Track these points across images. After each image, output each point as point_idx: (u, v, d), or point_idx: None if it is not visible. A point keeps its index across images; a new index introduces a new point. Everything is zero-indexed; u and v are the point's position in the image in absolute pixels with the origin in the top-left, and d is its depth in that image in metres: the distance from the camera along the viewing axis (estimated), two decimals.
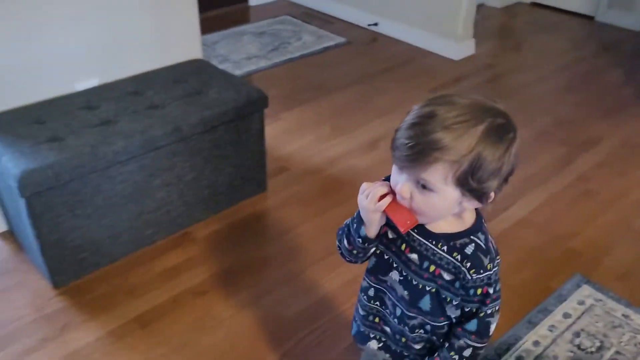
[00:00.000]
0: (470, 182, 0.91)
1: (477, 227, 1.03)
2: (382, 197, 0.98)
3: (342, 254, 1.14)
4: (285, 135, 2.90)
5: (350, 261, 1.14)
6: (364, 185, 1.01)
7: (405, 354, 1.18)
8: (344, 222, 1.12)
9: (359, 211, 1.04)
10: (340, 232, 1.13)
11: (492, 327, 1.07)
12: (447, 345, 1.10)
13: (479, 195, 0.94)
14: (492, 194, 0.96)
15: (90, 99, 2.11)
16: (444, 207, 0.96)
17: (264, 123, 2.31)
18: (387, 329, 1.18)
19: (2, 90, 1.99)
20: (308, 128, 2.97)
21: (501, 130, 0.91)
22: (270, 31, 4.06)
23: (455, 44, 3.73)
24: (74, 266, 1.97)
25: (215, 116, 2.10)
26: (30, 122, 1.95)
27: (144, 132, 1.95)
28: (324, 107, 3.17)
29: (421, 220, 0.99)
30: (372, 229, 1.04)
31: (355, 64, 3.69)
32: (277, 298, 1.96)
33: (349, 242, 1.10)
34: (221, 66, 3.32)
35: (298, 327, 1.86)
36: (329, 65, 3.65)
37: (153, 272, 2.05)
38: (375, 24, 4.12)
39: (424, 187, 0.93)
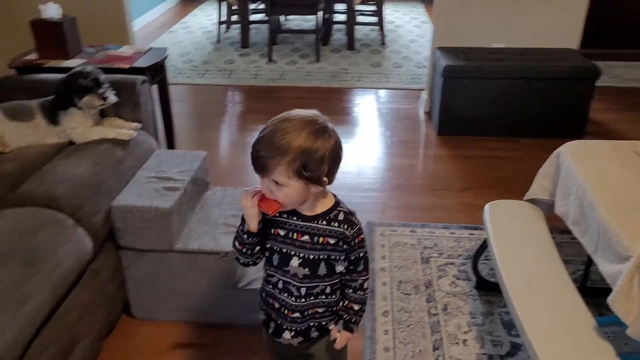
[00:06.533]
0: (304, 173, 1.22)
1: (337, 202, 1.36)
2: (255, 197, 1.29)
3: (237, 258, 1.42)
4: (620, 118, 3.98)
5: (244, 263, 1.42)
6: (243, 192, 1.30)
7: (311, 324, 1.44)
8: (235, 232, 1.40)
9: (243, 215, 1.34)
10: (234, 241, 1.39)
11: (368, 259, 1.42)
12: (350, 291, 1.42)
13: (316, 179, 1.25)
14: (325, 178, 1.27)
15: (497, 51, 3.82)
16: (297, 195, 1.26)
17: (594, 91, 3.56)
18: (296, 314, 1.41)
19: (449, 37, 3.90)
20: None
21: (318, 132, 1.22)
22: None
23: None
24: (451, 126, 3.74)
25: (554, 71, 3.51)
26: (459, 53, 3.78)
27: (510, 68, 3.54)
28: None
29: (288, 207, 1.30)
30: (253, 223, 1.32)
31: None
32: None
33: (239, 243, 1.37)
34: (606, 78, 4.50)
35: None
36: None
37: (480, 147, 3.62)
38: None
39: (277, 183, 1.24)
